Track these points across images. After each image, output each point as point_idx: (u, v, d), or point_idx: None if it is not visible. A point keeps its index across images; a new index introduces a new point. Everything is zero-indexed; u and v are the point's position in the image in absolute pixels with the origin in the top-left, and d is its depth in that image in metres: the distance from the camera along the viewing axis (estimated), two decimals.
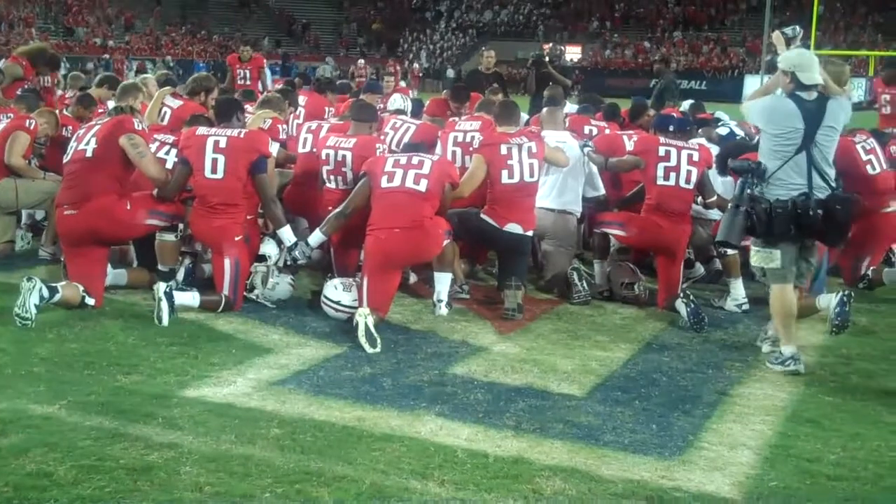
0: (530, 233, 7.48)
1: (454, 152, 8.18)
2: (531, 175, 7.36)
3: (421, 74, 23.34)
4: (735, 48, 52.20)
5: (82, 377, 5.46)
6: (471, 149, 7.94)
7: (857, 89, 37.67)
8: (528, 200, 7.45)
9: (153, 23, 56.27)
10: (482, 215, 7.40)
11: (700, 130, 9.03)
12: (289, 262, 7.34)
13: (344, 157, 7.50)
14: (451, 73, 44.80)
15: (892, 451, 4.81)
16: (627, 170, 8.03)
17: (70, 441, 4.51)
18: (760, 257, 6.13)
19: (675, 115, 9.22)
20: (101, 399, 5.11)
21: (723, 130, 9.11)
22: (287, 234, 7.15)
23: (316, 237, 7.20)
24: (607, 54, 55.19)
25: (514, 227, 7.32)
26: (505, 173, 7.30)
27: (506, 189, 7.31)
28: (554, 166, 7.77)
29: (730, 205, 6.19)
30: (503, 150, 7.33)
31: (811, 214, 5.87)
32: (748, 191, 6.03)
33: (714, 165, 7.60)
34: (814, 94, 6.04)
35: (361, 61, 24.12)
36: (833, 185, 6.02)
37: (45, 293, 6.35)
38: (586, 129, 9.11)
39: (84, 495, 3.99)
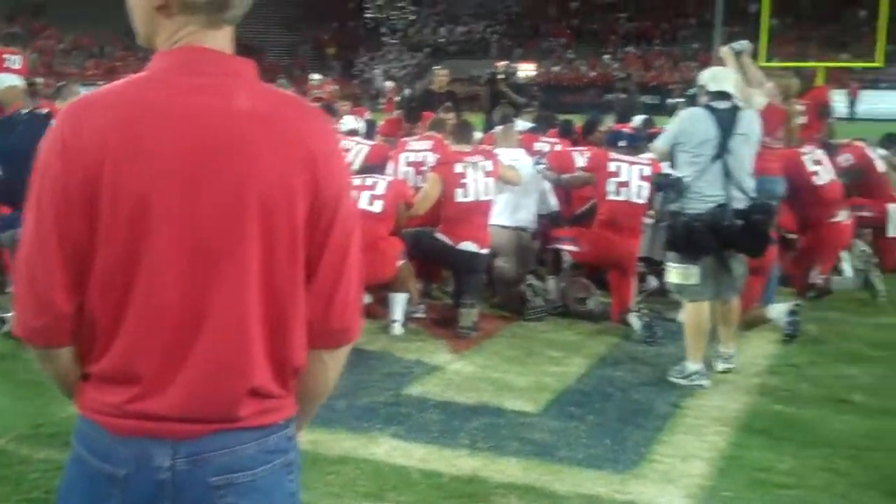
0: (485, 251, 7.49)
1: (406, 172, 8.19)
2: (486, 193, 7.40)
3: (398, 98, 22.42)
4: (687, 62, 52.69)
5: (33, 407, 5.40)
6: (424, 168, 7.97)
7: (839, 101, 38.32)
8: (482, 218, 7.48)
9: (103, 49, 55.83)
10: (437, 234, 7.41)
11: (650, 145, 9.11)
12: None
13: None
14: (406, 92, 44.82)
15: (843, 458, 4.87)
16: (580, 186, 8.08)
17: (19, 474, 4.46)
18: (677, 274, 6.09)
19: (626, 130, 9.29)
20: (50, 430, 5.05)
21: None
22: None
23: None
24: (557, 70, 55.45)
25: (468, 245, 7.34)
26: (460, 192, 7.33)
27: (460, 207, 7.35)
28: (508, 184, 7.81)
29: (650, 221, 6.22)
30: (458, 168, 7.37)
31: (728, 225, 5.87)
32: (668, 206, 6.11)
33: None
34: (726, 104, 6.11)
35: (317, 76, 22.78)
36: (752, 195, 6.05)
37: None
38: (538, 146, 9.16)
39: None
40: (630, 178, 7.41)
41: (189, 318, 1.78)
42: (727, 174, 5.97)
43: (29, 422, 5.16)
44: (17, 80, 7.67)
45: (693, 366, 6.09)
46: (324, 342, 1.90)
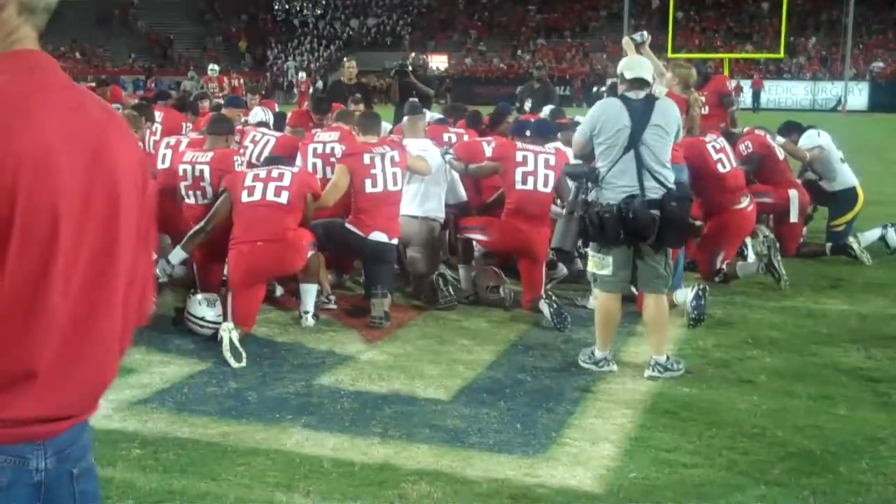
0: (395, 241, 7.51)
1: (314, 164, 8.16)
2: (394, 184, 7.42)
3: (311, 89, 21.67)
4: (596, 54, 53.35)
5: None
6: (332, 159, 7.95)
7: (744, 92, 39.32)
8: (391, 209, 7.49)
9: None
10: (347, 225, 7.40)
11: (559, 135, 9.20)
12: None
13: (202, 171, 7.41)
14: (318, 84, 44.61)
15: (745, 436, 4.99)
16: (487, 175, 8.13)
17: None
18: (594, 263, 6.10)
19: (532, 120, 9.37)
20: None
21: None
22: None
23: (177, 254, 7.11)
24: (468, 62, 55.72)
25: (378, 236, 7.35)
26: (368, 182, 7.34)
27: (369, 198, 7.35)
28: (416, 174, 7.83)
29: (564, 211, 6.22)
30: (366, 159, 7.37)
31: (635, 218, 5.80)
32: (582, 196, 6.03)
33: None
34: (641, 94, 6.11)
35: (215, 67, 21.80)
36: (669, 185, 5.99)
37: None
38: (445, 137, 9.19)
39: None
40: (536, 168, 7.47)
41: (83, 325, 1.80)
42: (640, 165, 5.93)
43: None
44: None
45: (600, 353, 6.17)
46: (134, 324, 2.01)
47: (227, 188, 6.96)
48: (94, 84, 14.89)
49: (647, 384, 5.86)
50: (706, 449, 4.82)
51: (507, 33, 58.63)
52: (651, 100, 6.13)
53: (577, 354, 6.36)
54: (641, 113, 6.02)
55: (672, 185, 6.03)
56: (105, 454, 4.61)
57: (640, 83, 6.17)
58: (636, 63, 6.37)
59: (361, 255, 7.75)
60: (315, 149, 8.27)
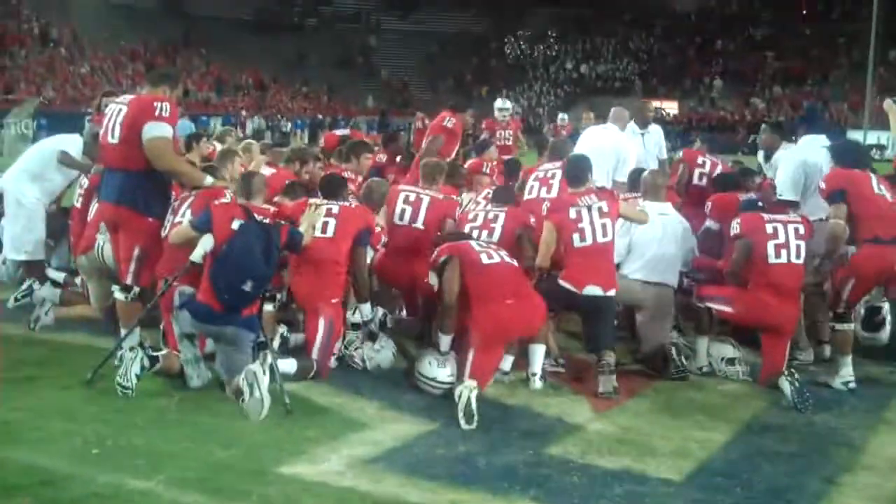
0: (612, 292, 7.26)
1: (532, 187, 8.62)
2: (604, 235, 7.21)
3: (564, 133, 20.50)
4: (837, 103, 51.21)
5: (180, 450, 5.49)
6: (550, 181, 8.47)
7: None
8: (604, 261, 7.28)
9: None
10: (560, 280, 7.26)
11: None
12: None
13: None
14: (546, 129, 44.65)
15: None
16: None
17: None
18: None
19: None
20: (198, 474, 5.15)
21: None
22: (366, 308, 7.36)
23: (444, 341, 7.02)
24: (701, 110, 54.68)
25: (593, 290, 7.14)
26: (577, 237, 7.19)
27: (579, 252, 7.19)
28: (633, 222, 7.69)
29: None
30: (572, 213, 7.23)
31: None
32: None
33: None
34: None
35: (506, 104, 18.83)
36: None
37: (147, 363, 6.45)
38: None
39: None
40: (788, 239, 7.22)
41: None
42: None
43: (177, 464, 5.26)
44: (167, 131, 6.86)
45: None
46: None
47: (456, 257, 6.98)
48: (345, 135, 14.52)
49: None
50: None
51: (743, 80, 57.12)
52: None
53: (818, 439, 6.06)
54: None
55: None
56: None
57: None
58: None
59: (578, 309, 7.55)
60: (537, 175, 8.74)
